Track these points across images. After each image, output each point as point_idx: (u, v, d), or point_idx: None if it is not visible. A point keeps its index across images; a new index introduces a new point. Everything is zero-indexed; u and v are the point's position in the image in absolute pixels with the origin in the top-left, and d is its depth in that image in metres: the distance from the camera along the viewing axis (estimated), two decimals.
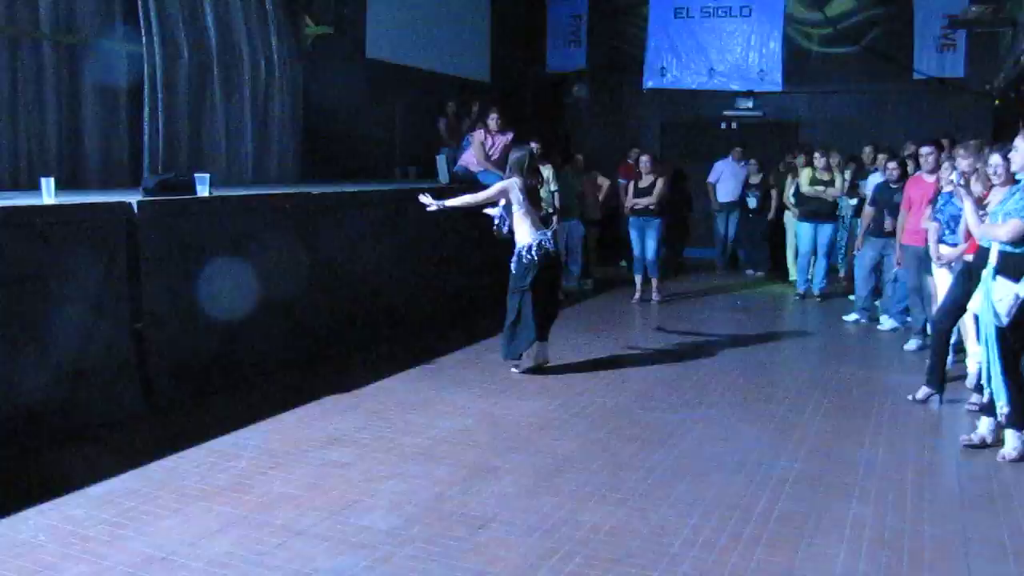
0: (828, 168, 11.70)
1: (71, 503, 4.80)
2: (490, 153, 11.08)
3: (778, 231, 13.74)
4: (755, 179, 14.32)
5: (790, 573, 4.12)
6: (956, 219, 7.13)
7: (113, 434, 5.94)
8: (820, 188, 11.60)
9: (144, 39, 8.67)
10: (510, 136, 11.39)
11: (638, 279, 11.71)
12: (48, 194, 6.32)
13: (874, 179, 10.67)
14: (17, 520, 4.57)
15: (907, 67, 15.13)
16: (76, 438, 5.76)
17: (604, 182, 13.42)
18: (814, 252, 11.84)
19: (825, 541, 4.46)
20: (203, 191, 7.27)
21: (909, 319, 9.37)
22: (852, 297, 11.19)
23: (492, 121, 11.21)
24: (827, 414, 6.70)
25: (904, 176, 9.53)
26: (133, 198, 6.54)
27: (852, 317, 10.38)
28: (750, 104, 16.24)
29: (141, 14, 8.62)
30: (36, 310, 5.65)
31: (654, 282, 11.63)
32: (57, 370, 5.79)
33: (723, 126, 16.42)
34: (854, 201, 11.74)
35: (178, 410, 6.51)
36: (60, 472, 5.26)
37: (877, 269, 9.96)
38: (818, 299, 11.81)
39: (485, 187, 7.45)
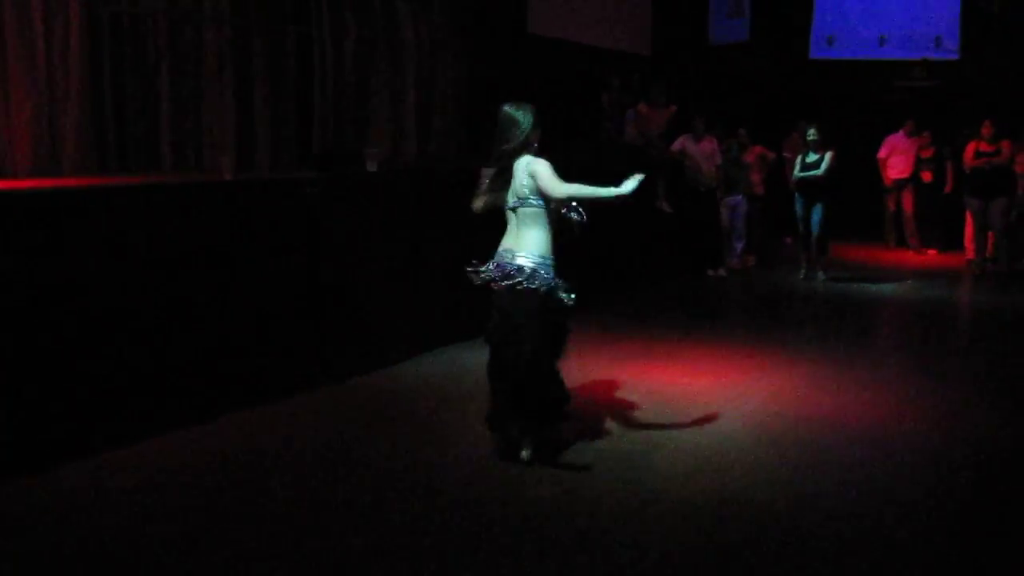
0: (995, 139, 11.12)
1: None
2: (653, 127, 10.99)
3: (956, 206, 13.10)
4: (928, 153, 13.66)
5: None
6: None
7: (289, 406, 6.10)
8: (985, 160, 11.07)
9: (313, 19, 8.92)
10: (672, 110, 11.26)
11: (804, 256, 11.38)
12: (228, 173, 6.59)
13: None
14: None
15: None
16: (258, 406, 5.94)
17: (769, 156, 13.09)
18: (990, 227, 11.27)
19: None
20: (372, 167, 7.45)
21: None
22: None
23: (655, 95, 11.11)
24: (1001, 411, 6.24)
25: None
26: (306, 175, 6.74)
27: None
28: (924, 73, 15.44)
29: None
30: (216, 285, 5.89)
31: (821, 259, 11.26)
32: (238, 343, 6.02)
33: (895, 97, 15.66)
34: None
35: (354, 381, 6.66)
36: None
37: None
38: (999, 277, 11.22)
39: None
